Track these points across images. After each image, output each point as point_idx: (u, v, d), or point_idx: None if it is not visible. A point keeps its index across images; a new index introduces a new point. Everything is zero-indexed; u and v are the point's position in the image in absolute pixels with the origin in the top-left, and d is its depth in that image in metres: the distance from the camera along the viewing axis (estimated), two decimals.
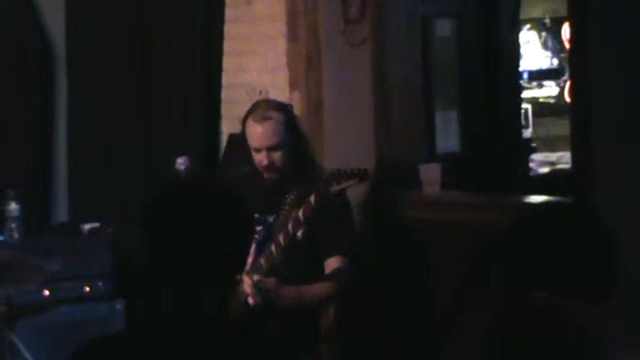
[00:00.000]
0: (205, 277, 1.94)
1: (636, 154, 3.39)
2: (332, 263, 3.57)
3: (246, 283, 3.45)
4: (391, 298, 4.23)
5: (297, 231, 3.43)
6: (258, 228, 3.64)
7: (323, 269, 3.58)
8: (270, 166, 3.60)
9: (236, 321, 3.45)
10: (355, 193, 3.76)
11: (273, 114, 3.63)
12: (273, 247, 3.48)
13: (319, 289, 3.54)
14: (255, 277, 3.44)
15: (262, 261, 3.50)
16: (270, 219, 3.63)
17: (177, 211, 1.96)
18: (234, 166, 3.81)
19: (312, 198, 3.39)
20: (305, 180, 3.61)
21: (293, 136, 3.65)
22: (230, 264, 1.98)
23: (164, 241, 1.94)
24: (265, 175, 3.63)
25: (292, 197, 3.63)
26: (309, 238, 3.46)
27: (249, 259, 3.54)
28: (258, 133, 3.61)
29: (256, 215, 3.63)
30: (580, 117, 3.53)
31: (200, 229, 1.93)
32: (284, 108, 3.72)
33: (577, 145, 3.61)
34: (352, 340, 4.10)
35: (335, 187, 3.39)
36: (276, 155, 3.61)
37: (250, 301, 3.43)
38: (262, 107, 3.66)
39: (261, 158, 3.61)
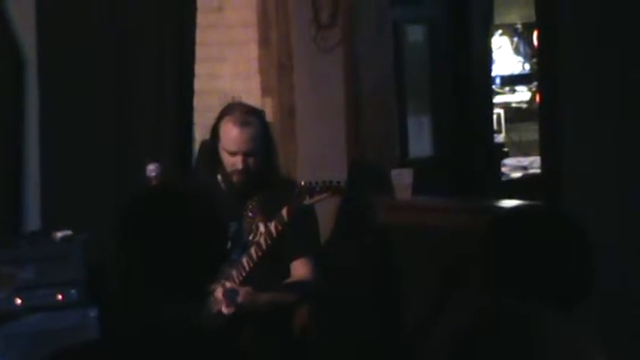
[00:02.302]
0: (180, 286, 1.93)
1: (604, 156, 3.42)
2: (298, 265, 3.60)
3: (219, 292, 3.45)
4: (364, 301, 4.24)
5: (268, 244, 3.44)
6: None
7: (289, 271, 3.60)
8: (244, 170, 3.60)
9: (210, 330, 3.46)
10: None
11: (253, 119, 3.62)
12: (244, 260, 3.49)
13: (290, 291, 3.56)
14: (228, 286, 3.45)
15: (234, 273, 3.50)
16: (234, 226, 3.63)
17: (152, 221, 1.94)
18: (203, 172, 3.79)
19: (285, 212, 3.41)
20: (268, 187, 3.62)
21: (266, 142, 3.65)
22: (206, 273, 1.97)
23: (138, 251, 1.93)
24: (234, 178, 3.62)
25: (254, 204, 3.63)
26: (277, 246, 3.47)
27: None
28: (237, 137, 3.59)
29: None
30: (549, 121, 3.55)
31: (175, 239, 1.92)
32: (260, 114, 3.73)
33: (546, 148, 3.63)
34: (325, 342, 4.10)
35: (308, 201, 3.40)
36: (251, 160, 3.61)
37: (224, 310, 3.42)
38: (241, 111, 3.65)
39: (235, 161, 3.60)
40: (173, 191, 2.04)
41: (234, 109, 3.66)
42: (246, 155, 3.59)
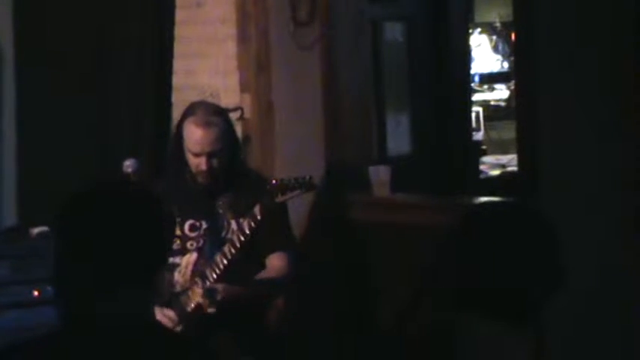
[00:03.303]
0: (123, 278, 1.93)
1: (581, 154, 3.44)
2: (274, 259, 3.60)
3: (197, 294, 3.45)
4: (340, 298, 4.24)
5: (242, 241, 3.43)
6: (194, 234, 3.64)
7: (264, 266, 3.59)
8: (209, 171, 3.58)
9: (188, 329, 3.46)
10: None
11: (216, 119, 3.59)
12: (219, 258, 3.48)
13: (266, 284, 3.57)
14: (207, 285, 3.45)
15: (208, 271, 3.49)
16: (205, 224, 3.62)
17: (88, 217, 1.95)
18: (171, 170, 3.77)
19: (257, 210, 3.40)
20: (238, 184, 3.61)
21: (230, 140, 3.64)
22: (147, 265, 1.97)
23: (69, 249, 1.94)
24: (200, 179, 3.61)
25: (225, 201, 3.62)
26: (251, 243, 3.47)
27: (190, 267, 3.55)
28: (200, 138, 3.57)
29: (191, 221, 3.64)
30: (526, 119, 3.57)
31: (113, 233, 1.93)
32: (223, 113, 3.70)
33: (523, 146, 3.64)
34: (299, 338, 4.10)
35: (280, 198, 3.39)
36: (215, 161, 3.59)
37: (208, 310, 3.42)
38: (203, 111, 3.62)
39: (199, 162, 3.58)
40: (107, 189, 2.04)
41: (196, 110, 3.63)
42: (210, 156, 3.57)
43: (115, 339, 1.91)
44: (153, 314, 2.84)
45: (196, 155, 3.58)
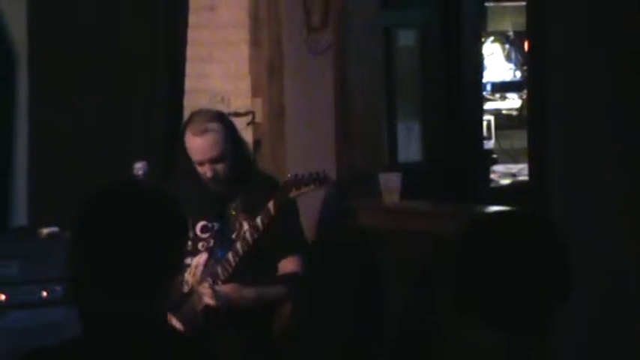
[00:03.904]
0: (137, 283, 1.93)
1: (592, 164, 3.43)
2: (286, 263, 3.60)
3: (207, 294, 3.45)
4: (346, 303, 4.24)
5: (255, 238, 3.44)
6: (205, 235, 3.64)
7: (276, 269, 3.59)
8: (214, 177, 3.60)
9: (197, 330, 3.47)
10: (314, 200, 3.78)
11: (212, 125, 3.62)
12: (230, 256, 3.49)
13: (277, 287, 3.57)
14: (217, 287, 3.45)
15: (219, 269, 3.50)
16: (217, 226, 3.63)
17: (105, 218, 1.95)
18: (181, 175, 3.79)
19: (271, 205, 3.40)
20: (250, 185, 3.62)
21: (233, 144, 3.65)
22: (161, 270, 1.97)
23: (94, 248, 1.93)
24: (210, 186, 3.62)
25: (238, 202, 3.63)
26: (262, 242, 3.47)
27: (200, 267, 3.56)
28: (198, 146, 3.60)
29: (203, 222, 3.65)
30: (537, 128, 3.56)
31: (129, 235, 1.92)
32: (221, 118, 3.71)
33: (534, 155, 3.63)
34: (307, 341, 4.10)
35: (294, 193, 3.41)
36: (219, 166, 3.61)
37: (217, 309, 3.42)
38: (200, 119, 3.65)
39: (204, 170, 3.61)
40: (127, 190, 2.04)
41: (194, 119, 3.67)
42: (212, 162, 3.59)
43: (127, 341, 1.91)
44: (165, 316, 2.84)
45: (200, 164, 3.61)
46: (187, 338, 2.59)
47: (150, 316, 1.94)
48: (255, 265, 3.54)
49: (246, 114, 4.51)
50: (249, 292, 3.50)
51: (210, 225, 3.64)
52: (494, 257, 1.93)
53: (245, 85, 4.61)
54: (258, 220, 3.44)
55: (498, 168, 6.38)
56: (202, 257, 3.61)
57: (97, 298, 1.92)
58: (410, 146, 4.88)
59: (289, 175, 3.47)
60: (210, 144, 3.58)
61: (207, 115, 3.69)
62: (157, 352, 1.93)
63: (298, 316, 3.74)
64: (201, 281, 3.55)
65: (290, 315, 3.68)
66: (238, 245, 3.47)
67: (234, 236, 3.61)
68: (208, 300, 3.43)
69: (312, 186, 3.41)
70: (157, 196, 2.00)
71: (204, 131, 3.59)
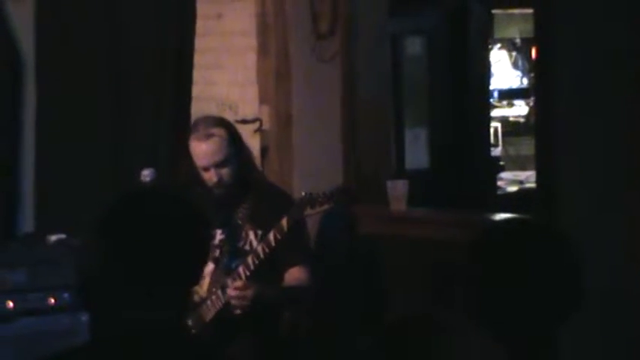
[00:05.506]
0: (160, 289, 1.93)
1: (599, 171, 3.42)
2: (293, 272, 3.60)
3: (220, 299, 3.46)
4: (355, 312, 4.23)
5: (266, 252, 3.44)
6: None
7: (282, 278, 3.60)
8: (220, 182, 3.61)
9: (206, 339, 3.47)
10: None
11: (215, 130, 3.63)
12: (241, 269, 3.49)
13: (287, 291, 3.58)
14: (233, 293, 3.44)
15: (230, 281, 3.49)
16: (220, 234, 3.63)
17: (133, 222, 1.95)
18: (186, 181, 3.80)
19: (284, 222, 3.41)
20: (256, 194, 3.63)
21: (237, 149, 3.66)
22: (185, 277, 1.97)
23: (119, 253, 1.93)
24: (215, 191, 3.63)
25: (244, 212, 3.64)
26: (272, 254, 3.48)
27: (207, 278, 3.57)
28: (202, 152, 3.62)
29: None
30: (544, 135, 3.56)
31: (155, 241, 1.92)
32: (224, 123, 3.73)
33: (541, 162, 3.63)
34: (313, 348, 4.10)
35: (309, 212, 3.42)
36: (224, 171, 3.62)
37: (238, 311, 3.42)
38: (203, 125, 3.67)
39: (210, 176, 3.62)
40: (155, 194, 2.05)
41: (197, 126, 3.69)
42: (217, 167, 3.61)
43: (141, 345, 1.91)
44: (184, 320, 2.83)
45: (205, 169, 3.62)
46: (209, 345, 2.58)
47: (172, 322, 1.94)
48: (264, 277, 3.53)
49: (253, 121, 4.52)
50: (267, 292, 3.50)
51: (214, 233, 3.64)
52: (503, 267, 1.92)
53: (252, 92, 4.61)
54: (271, 236, 3.44)
55: (505, 175, 6.38)
56: (209, 267, 3.61)
57: (119, 303, 1.92)
58: (417, 153, 4.89)
59: (303, 194, 3.46)
60: (214, 149, 3.60)
61: (210, 121, 3.71)
62: (171, 357, 1.92)
63: (297, 324, 3.75)
64: (208, 291, 3.56)
65: (296, 322, 3.68)
66: (249, 259, 3.48)
67: (241, 245, 3.61)
68: (238, 311, 3.42)
69: (327, 205, 3.42)
70: (181, 202, 2.00)
71: (208, 136, 3.61)
